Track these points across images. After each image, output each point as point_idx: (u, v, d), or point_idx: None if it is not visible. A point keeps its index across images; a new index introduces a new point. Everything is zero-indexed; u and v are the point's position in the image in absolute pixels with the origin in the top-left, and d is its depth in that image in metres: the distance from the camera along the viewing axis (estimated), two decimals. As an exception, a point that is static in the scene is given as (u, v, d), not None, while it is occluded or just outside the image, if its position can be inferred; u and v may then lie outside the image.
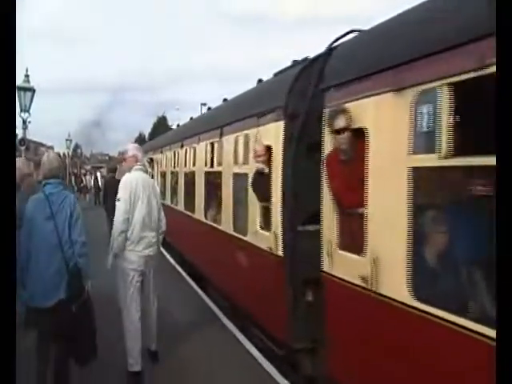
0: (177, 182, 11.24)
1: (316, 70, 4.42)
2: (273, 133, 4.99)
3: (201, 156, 8.52)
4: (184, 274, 9.77)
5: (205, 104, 34.72)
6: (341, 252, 3.79)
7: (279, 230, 4.79)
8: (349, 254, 3.68)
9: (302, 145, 4.54)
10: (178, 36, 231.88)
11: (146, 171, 5.49)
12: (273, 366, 5.17)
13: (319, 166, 4.10)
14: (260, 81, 7.71)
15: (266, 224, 5.25)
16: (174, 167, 11.57)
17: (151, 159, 15.86)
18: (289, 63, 5.95)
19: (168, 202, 12.20)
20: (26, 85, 11.72)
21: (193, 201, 9.10)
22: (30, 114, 11.81)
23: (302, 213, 4.55)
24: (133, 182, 4.95)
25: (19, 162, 5.55)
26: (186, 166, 10.11)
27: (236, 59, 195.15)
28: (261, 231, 5.40)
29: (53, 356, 4.09)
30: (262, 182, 5.17)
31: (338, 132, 3.75)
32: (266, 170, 5.10)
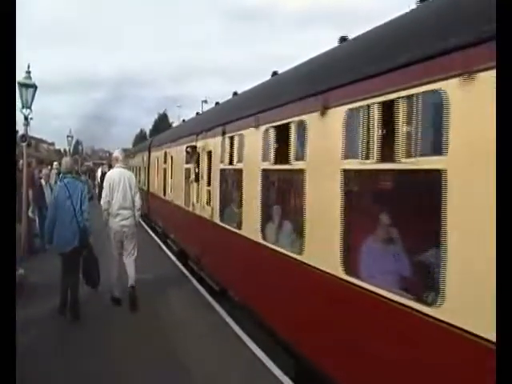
0: (278, 197, 6.13)
1: None
2: None
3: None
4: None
5: (205, 101, 34.57)
6: None
7: None
8: None
9: None
10: (179, 33, 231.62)
11: (126, 167, 8.08)
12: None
13: None
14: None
15: None
16: (276, 161, 5.51)
17: (193, 148, 9.71)
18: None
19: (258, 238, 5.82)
20: (28, 81, 11.60)
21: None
22: (31, 110, 11.71)
23: None
24: (111, 176, 7.58)
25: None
26: (318, 158, 4.49)
27: (238, 56, 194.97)
28: None
29: (70, 282, 6.70)
30: None
31: None
32: None
